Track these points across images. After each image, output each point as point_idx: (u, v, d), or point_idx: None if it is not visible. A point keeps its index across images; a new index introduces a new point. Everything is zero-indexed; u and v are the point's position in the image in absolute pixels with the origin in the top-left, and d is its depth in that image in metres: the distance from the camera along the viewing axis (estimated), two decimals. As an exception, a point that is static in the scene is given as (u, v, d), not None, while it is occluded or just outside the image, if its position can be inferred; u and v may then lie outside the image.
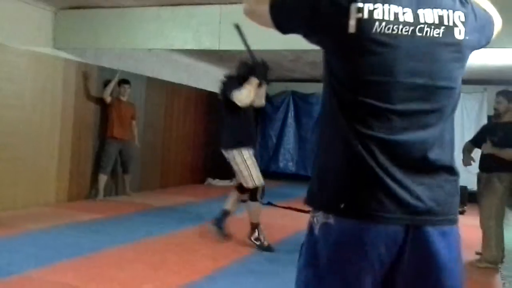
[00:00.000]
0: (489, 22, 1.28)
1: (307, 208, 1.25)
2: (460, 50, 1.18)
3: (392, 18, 1.11)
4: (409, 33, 1.12)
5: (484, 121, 7.58)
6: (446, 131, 1.18)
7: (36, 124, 5.60)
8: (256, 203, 4.27)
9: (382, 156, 1.11)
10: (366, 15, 1.10)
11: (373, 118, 1.12)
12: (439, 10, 1.14)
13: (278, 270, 3.68)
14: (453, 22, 1.15)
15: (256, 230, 4.30)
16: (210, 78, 9.21)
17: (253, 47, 5.12)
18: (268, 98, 10.75)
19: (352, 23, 1.10)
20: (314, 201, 1.21)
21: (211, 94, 9.09)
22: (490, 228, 4.09)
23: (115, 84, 6.37)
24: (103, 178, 6.40)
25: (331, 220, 1.14)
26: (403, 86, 1.12)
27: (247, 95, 4.04)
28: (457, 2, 1.18)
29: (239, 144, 4.18)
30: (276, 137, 10.53)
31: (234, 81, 4.17)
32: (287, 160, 10.46)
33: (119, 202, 6.46)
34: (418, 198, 1.11)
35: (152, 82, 7.51)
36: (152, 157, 7.75)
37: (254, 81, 4.08)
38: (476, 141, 4.48)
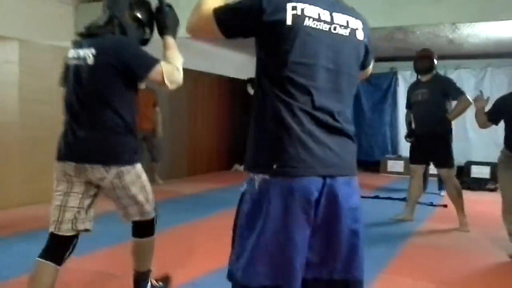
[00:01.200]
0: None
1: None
2: (359, 47, 1.58)
3: (316, 16, 1.47)
4: (327, 29, 1.49)
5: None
6: (347, 107, 1.55)
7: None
8: (153, 239, 2.62)
9: (307, 122, 1.44)
10: (299, 12, 1.45)
11: (299, 92, 1.45)
12: (346, 15, 1.54)
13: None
14: (356, 26, 1.56)
15: (150, 281, 2.70)
16: (232, 65, 9.21)
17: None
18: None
19: (289, 17, 1.43)
20: (252, 165, 1.53)
21: (233, 80, 9.10)
22: None
23: None
24: None
25: (267, 176, 1.45)
26: (322, 68, 1.48)
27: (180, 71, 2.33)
28: (356, 13, 1.60)
29: (136, 154, 2.39)
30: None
31: (133, 39, 2.34)
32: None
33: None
34: (333, 154, 1.47)
35: (175, 71, 7.54)
36: (179, 145, 7.83)
37: (172, 41, 2.38)
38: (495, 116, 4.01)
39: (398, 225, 4.91)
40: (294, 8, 1.44)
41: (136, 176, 2.36)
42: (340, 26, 1.51)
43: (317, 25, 1.46)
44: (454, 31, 6.60)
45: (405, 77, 9.38)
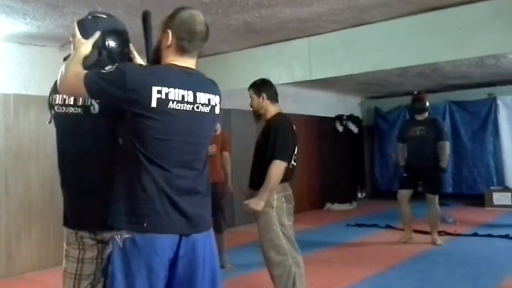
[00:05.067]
0: None
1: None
2: (216, 119, 1.85)
3: (180, 99, 1.67)
4: (190, 109, 1.70)
5: None
6: (205, 169, 1.80)
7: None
8: None
9: (168, 188, 1.66)
10: (163, 96, 1.63)
11: (160, 163, 1.65)
12: (208, 94, 1.76)
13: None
14: (215, 103, 1.79)
15: None
16: (320, 103, 9.33)
17: (345, 72, 5.07)
18: (382, 114, 10.46)
19: (154, 100, 1.61)
20: (122, 222, 1.66)
21: (322, 118, 9.21)
22: None
23: None
24: None
25: (131, 235, 1.63)
26: (179, 142, 1.69)
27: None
28: (216, 89, 1.82)
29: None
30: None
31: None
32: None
33: (233, 233, 6.38)
34: (188, 215, 1.70)
35: (262, 116, 7.81)
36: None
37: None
38: None
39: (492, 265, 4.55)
40: (159, 91, 1.62)
41: None
42: (203, 104, 1.73)
43: (180, 107, 1.66)
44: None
45: (506, 103, 8.77)
